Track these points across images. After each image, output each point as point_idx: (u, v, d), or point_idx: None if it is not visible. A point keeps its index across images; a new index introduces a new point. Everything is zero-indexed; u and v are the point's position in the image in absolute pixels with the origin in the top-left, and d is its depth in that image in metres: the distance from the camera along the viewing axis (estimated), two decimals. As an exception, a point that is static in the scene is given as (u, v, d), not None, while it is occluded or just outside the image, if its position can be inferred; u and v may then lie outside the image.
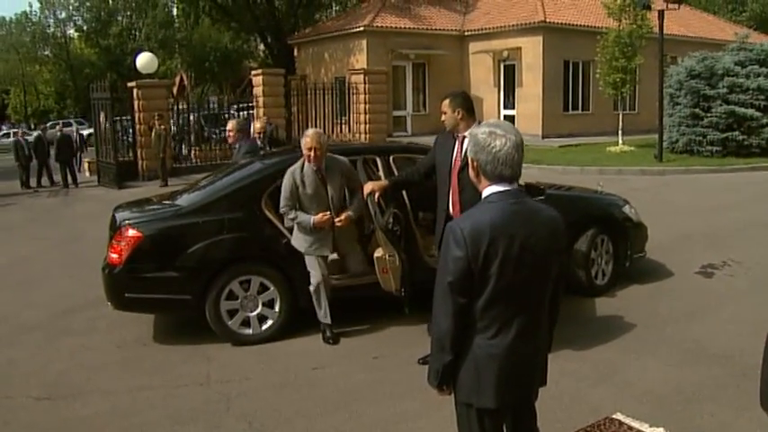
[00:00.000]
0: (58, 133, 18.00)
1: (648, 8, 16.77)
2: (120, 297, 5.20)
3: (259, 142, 8.53)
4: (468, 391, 2.38)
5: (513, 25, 23.03)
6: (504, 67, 23.97)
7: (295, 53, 29.33)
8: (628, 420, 3.77)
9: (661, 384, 4.26)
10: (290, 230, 5.24)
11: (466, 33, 25.08)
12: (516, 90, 23.47)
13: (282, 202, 5.08)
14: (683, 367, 4.53)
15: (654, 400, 4.03)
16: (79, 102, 46.30)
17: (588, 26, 22.44)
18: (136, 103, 16.78)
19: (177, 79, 28.03)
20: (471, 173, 2.40)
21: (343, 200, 5.22)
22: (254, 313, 5.23)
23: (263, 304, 5.23)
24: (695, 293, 6.15)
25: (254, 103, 18.66)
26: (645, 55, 18.12)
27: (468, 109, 4.37)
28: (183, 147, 18.60)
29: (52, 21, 50.43)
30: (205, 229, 5.17)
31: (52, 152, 17.50)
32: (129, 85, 17.38)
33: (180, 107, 18.51)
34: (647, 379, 4.35)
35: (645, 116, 21.86)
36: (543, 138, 21.91)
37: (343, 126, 20.75)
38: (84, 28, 48.91)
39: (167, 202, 5.86)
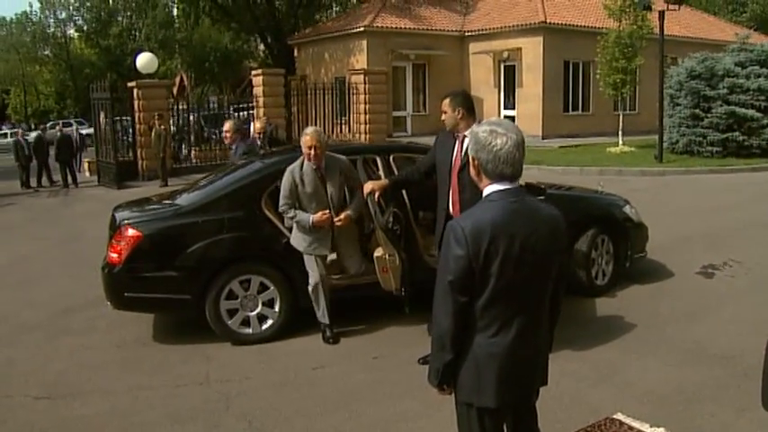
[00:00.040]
0: (58, 133, 18.02)
1: (649, 9, 16.76)
2: (119, 296, 5.19)
3: (259, 142, 8.54)
4: (469, 390, 2.37)
5: (513, 26, 23.03)
6: (505, 67, 23.97)
7: (295, 53, 29.33)
8: (628, 420, 3.76)
9: (662, 384, 4.25)
10: (291, 230, 5.22)
11: (466, 34, 25.08)
12: (516, 90, 23.46)
13: (281, 201, 5.06)
14: (684, 367, 4.52)
15: (655, 401, 4.03)
16: (79, 102, 46.29)
17: (588, 27, 22.43)
18: (136, 103, 16.78)
19: (177, 79, 28.09)
20: (472, 171, 2.39)
21: (342, 199, 5.20)
22: (254, 313, 5.22)
23: (263, 304, 5.23)
24: (696, 294, 6.15)
25: (254, 104, 18.67)
26: (645, 56, 18.11)
27: (469, 108, 4.36)
28: (183, 147, 18.61)
29: (52, 21, 50.47)
30: (205, 229, 5.17)
31: (52, 152, 17.50)
32: (129, 85, 17.39)
33: (180, 107, 18.51)
34: (648, 379, 4.34)
35: (645, 117, 21.87)
36: (543, 138, 21.91)
37: (343, 126, 20.75)
38: (85, 28, 48.90)
39: (167, 201, 5.86)
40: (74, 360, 5.06)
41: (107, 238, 5.48)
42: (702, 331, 5.17)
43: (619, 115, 19.03)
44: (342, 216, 5.05)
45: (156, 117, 16.00)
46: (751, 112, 16.21)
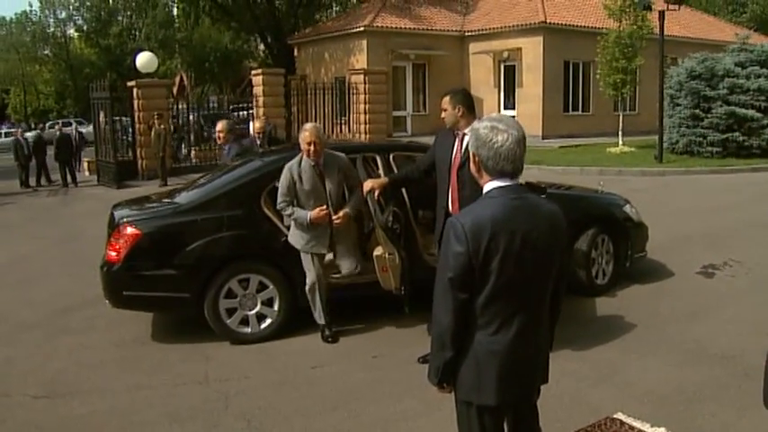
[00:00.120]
0: (58, 133, 18.00)
1: (649, 9, 16.77)
2: (118, 295, 5.18)
3: (258, 141, 8.53)
4: (469, 388, 2.35)
5: (513, 26, 23.03)
6: (505, 67, 23.98)
7: (295, 53, 29.33)
8: (629, 420, 3.74)
9: (662, 384, 4.24)
10: (290, 228, 5.21)
11: (466, 34, 25.08)
12: (516, 91, 23.46)
13: (279, 198, 5.03)
14: (685, 367, 4.51)
15: (655, 400, 4.01)
16: (79, 101, 46.27)
17: (589, 27, 22.44)
18: (135, 102, 16.77)
19: (177, 79, 28.08)
20: (472, 167, 2.38)
21: (341, 197, 5.17)
22: (253, 312, 5.21)
23: (262, 303, 5.21)
24: (696, 293, 6.14)
25: (254, 103, 18.66)
26: (645, 56, 18.12)
27: (469, 106, 4.35)
28: (183, 146, 18.59)
29: (52, 20, 50.51)
30: (204, 227, 5.15)
31: (50, 152, 17.48)
32: (129, 84, 17.39)
33: (180, 107, 18.49)
34: (648, 379, 4.33)
35: (645, 117, 21.87)
36: (543, 138, 21.90)
37: (343, 126, 20.74)
38: (84, 28, 48.94)
39: (166, 199, 5.85)
40: (73, 359, 5.04)
41: (106, 237, 5.47)
42: (703, 331, 5.16)
43: (619, 115, 19.03)
44: (340, 214, 5.02)
45: (156, 117, 15.99)
46: (751, 112, 16.22)
